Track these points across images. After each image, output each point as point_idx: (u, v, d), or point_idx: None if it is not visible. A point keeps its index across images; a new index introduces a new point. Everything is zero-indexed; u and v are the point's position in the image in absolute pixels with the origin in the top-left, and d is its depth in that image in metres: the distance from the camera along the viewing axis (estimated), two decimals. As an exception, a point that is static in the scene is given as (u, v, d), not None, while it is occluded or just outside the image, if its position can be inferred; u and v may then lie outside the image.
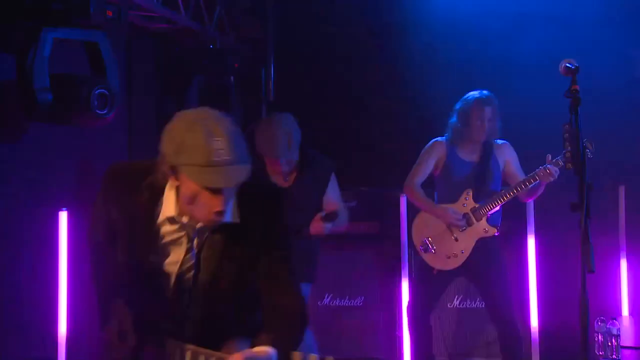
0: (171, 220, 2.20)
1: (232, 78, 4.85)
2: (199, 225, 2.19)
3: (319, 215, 3.66)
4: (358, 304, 4.91)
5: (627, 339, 4.76)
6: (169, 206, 2.18)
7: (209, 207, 2.09)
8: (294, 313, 2.22)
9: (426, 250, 4.24)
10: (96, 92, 3.53)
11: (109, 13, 3.50)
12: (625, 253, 4.99)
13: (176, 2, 4.61)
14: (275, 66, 5.60)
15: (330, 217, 3.68)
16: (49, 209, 3.89)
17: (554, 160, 3.98)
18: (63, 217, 4.08)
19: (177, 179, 2.10)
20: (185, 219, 2.18)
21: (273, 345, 2.11)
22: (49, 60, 3.40)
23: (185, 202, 2.12)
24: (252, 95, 5.37)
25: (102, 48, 3.67)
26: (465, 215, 4.17)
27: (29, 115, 3.49)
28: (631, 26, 5.11)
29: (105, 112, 3.59)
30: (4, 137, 3.70)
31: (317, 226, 3.64)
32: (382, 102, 5.45)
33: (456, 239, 4.18)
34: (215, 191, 2.07)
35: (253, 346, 2.14)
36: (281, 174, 3.65)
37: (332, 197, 3.77)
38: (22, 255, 3.77)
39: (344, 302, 4.91)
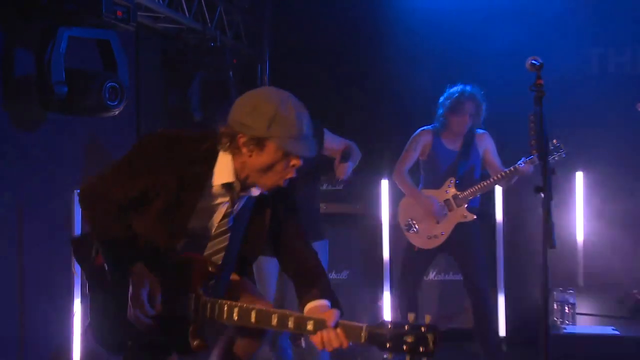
0: (226, 186, 2.20)
1: (230, 73, 4.84)
2: (242, 193, 2.22)
3: (337, 160, 3.66)
4: (343, 277, 4.95)
5: (581, 307, 4.85)
6: (224, 173, 2.19)
7: (281, 175, 2.15)
8: (318, 265, 2.32)
9: (409, 229, 4.26)
10: (107, 85, 3.53)
11: (119, 13, 3.49)
12: (582, 231, 5.07)
13: (180, 4, 4.61)
14: (270, 62, 5.66)
15: (345, 155, 3.68)
16: (64, 189, 3.88)
17: (529, 159, 3.98)
18: (76, 195, 4.11)
19: (260, 149, 2.10)
20: (238, 185, 2.20)
21: (323, 296, 2.17)
22: (64, 56, 3.38)
23: (260, 170, 2.14)
24: (249, 89, 5.35)
25: (113, 45, 3.67)
26: (446, 201, 4.19)
27: (46, 106, 3.49)
28: (592, 24, 5.13)
29: (115, 103, 3.59)
30: (25, 126, 3.68)
31: (341, 168, 3.64)
32: (367, 95, 5.49)
33: (437, 222, 4.19)
34: (296, 160, 2.13)
35: (304, 303, 2.17)
36: None
37: (337, 145, 3.74)
38: (41, 227, 3.78)
39: (330, 276, 4.92)
